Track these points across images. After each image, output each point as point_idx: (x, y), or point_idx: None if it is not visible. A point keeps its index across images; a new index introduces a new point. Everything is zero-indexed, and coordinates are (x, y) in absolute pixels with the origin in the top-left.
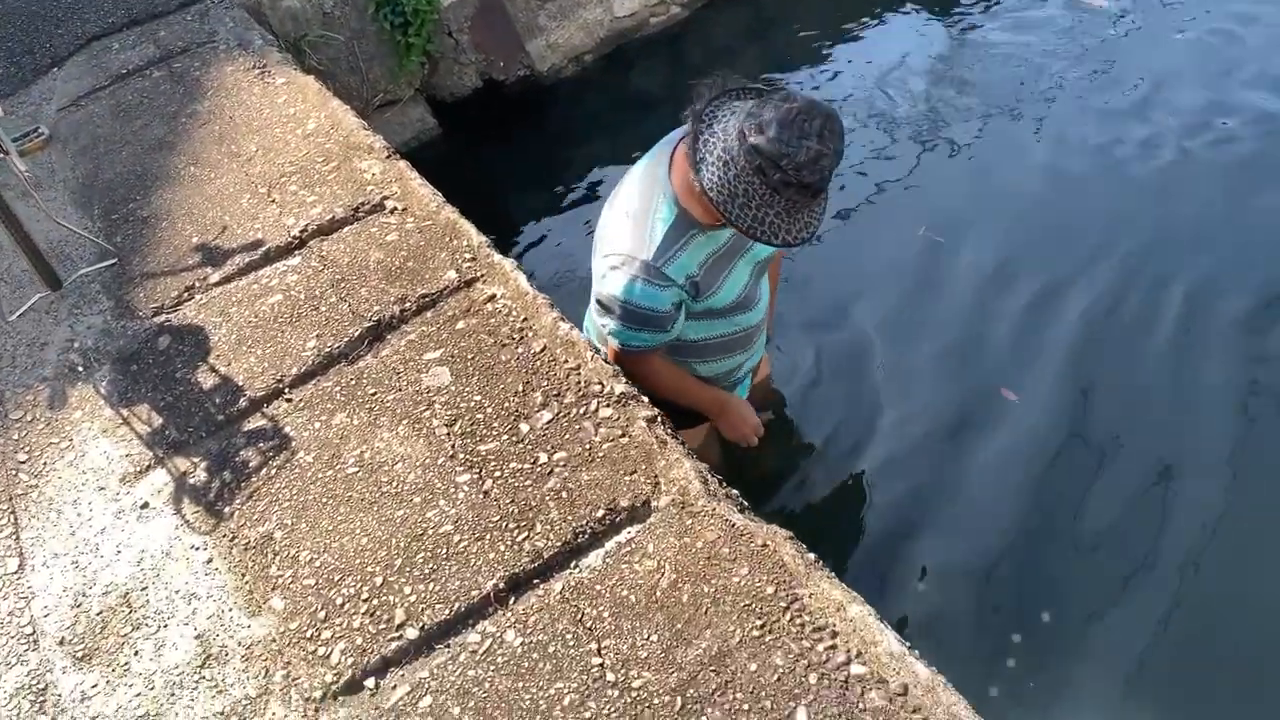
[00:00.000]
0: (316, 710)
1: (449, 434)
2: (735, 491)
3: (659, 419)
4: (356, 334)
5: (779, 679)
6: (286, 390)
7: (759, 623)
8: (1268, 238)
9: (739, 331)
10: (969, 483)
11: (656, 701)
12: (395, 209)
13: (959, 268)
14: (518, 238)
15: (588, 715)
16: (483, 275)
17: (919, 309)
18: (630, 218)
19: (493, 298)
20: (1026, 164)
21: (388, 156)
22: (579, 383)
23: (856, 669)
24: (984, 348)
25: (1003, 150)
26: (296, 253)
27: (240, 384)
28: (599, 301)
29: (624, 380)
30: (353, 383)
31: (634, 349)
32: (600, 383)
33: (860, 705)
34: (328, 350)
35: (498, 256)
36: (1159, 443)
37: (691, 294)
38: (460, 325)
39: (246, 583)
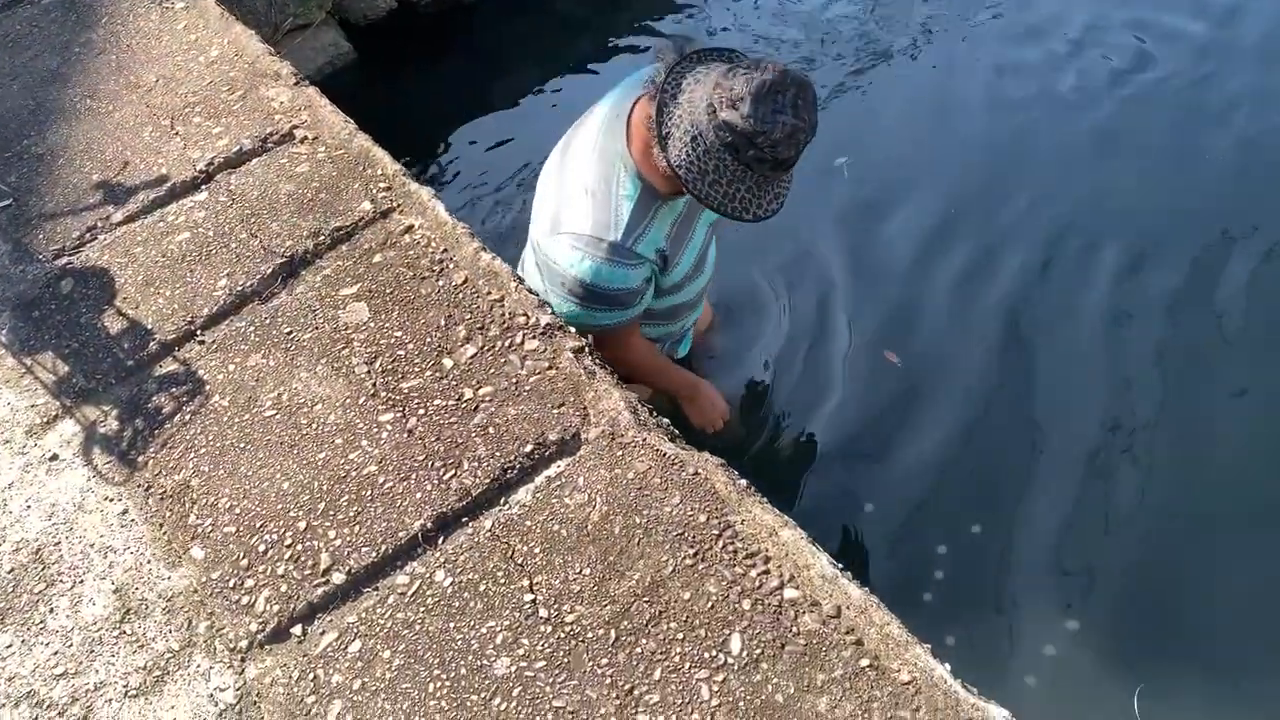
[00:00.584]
0: (242, 660)
1: (369, 372)
2: (666, 420)
3: (586, 349)
4: (269, 271)
5: (713, 607)
6: (198, 332)
7: (692, 551)
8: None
9: (693, 297)
10: (903, 434)
11: (590, 635)
12: (305, 138)
13: (877, 208)
14: (439, 168)
15: (521, 652)
16: (399, 205)
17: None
18: (590, 195)
19: (410, 229)
20: (942, 99)
21: (296, 84)
22: (503, 315)
23: (790, 593)
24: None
25: (916, 85)
26: (203, 187)
27: (149, 327)
28: (559, 283)
29: (549, 311)
30: (267, 322)
31: (604, 328)
32: (525, 314)
33: (794, 629)
34: (240, 289)
35: (414, 185)
36: (1088, 393)
37: (660, 267)
38: (377, 259)
39: (164, 533)
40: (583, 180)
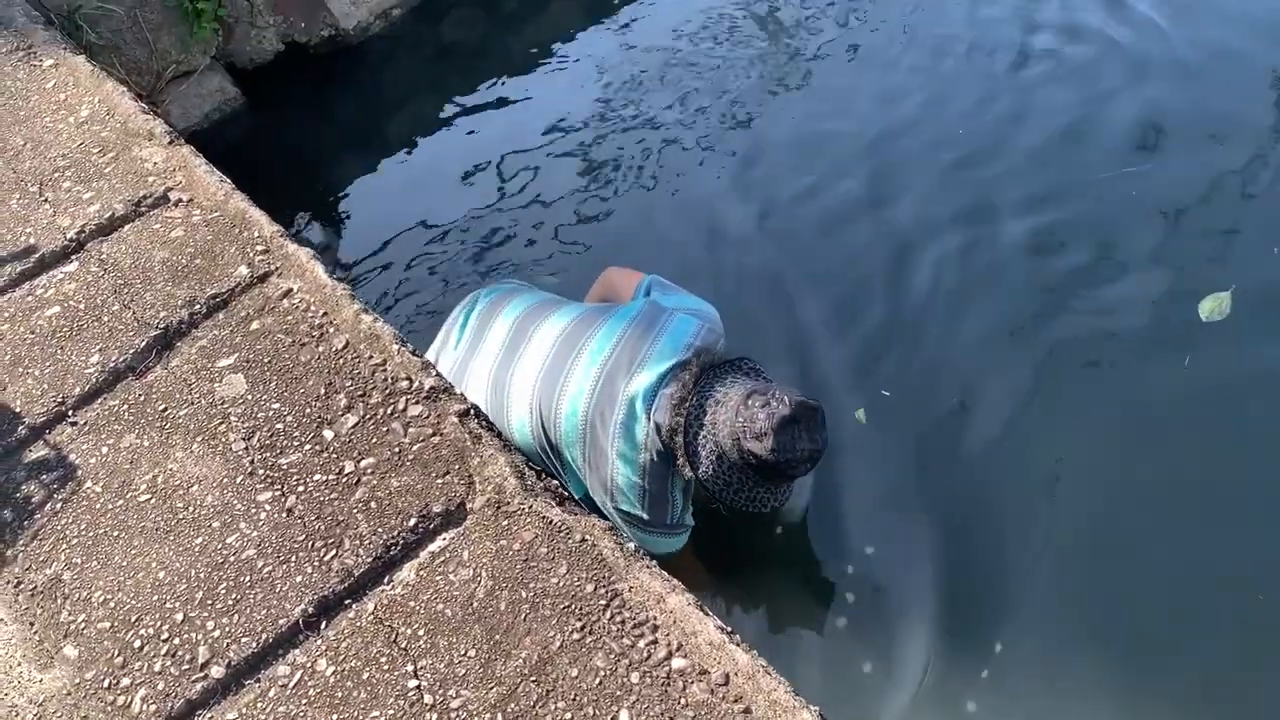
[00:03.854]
0: None
1: (247, 448)
2: (555, 483)
3: (471, 412)
4: (143, 344)
5: (600, 682)
6: (70, 413)
7: (579, 624)
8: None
9: None
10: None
11: None
12: (180, 200)
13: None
14: (333, 214)
15: None
16: (277, 268)
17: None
18: (649, 495)
19: (289, 292)
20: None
21: (170, 142)
22: (385, 379)
23: (678, 663)
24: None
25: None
26: (74, 257)
27: (18, 409)
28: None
29: (434, 373)
30: (141, 399)
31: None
32: (408, 378)
33: (682, 700)
34: (113, 365)
35: (293, 246)
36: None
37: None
38: (255, 326)
39: (36, 632)
40: (633, 473)
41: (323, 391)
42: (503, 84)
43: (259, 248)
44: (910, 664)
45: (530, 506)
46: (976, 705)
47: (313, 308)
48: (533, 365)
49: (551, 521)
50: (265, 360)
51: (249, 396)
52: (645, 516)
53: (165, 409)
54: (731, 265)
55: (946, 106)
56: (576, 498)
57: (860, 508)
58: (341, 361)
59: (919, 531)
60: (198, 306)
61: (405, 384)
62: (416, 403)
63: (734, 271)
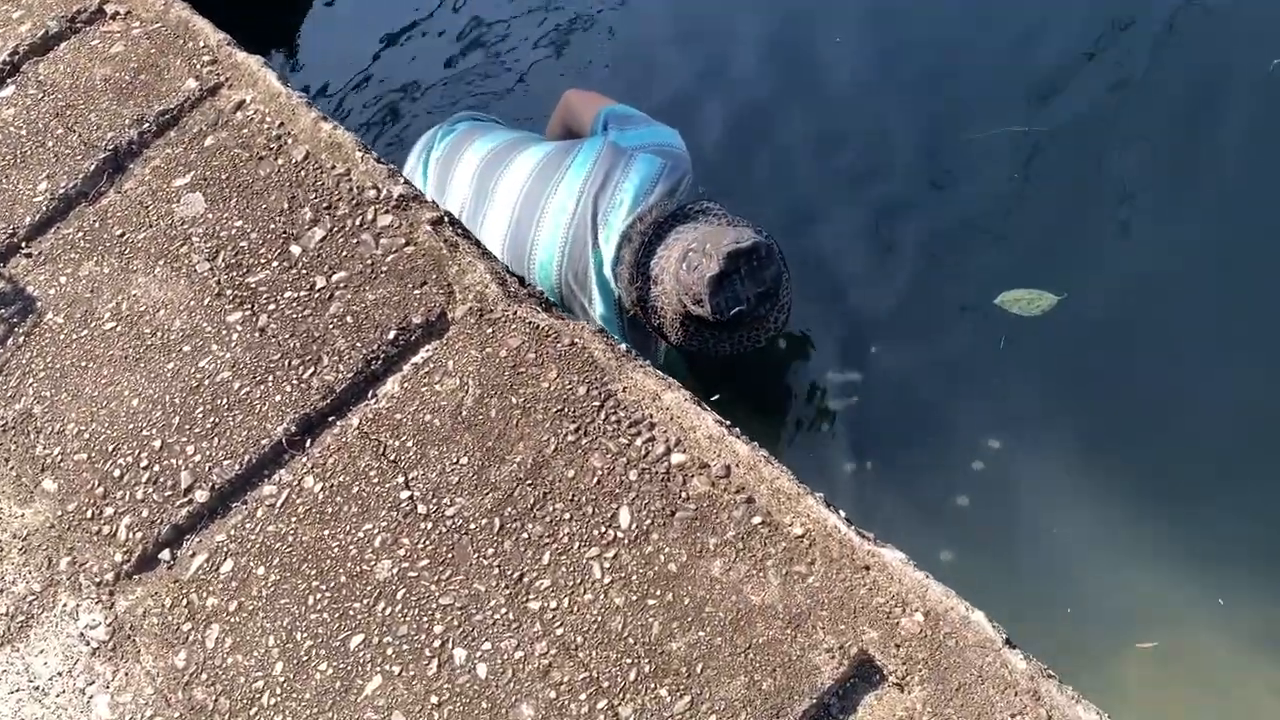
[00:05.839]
0: (111, 594)
1: (212, 269)
2: (540, 289)
3: (446, 219)
4: (93, 168)
5: (599, 482)
6: (23, 244)
7: (573, 427)
8: None
9: None
10: None
11: (473, 527)
12: (117, 13)
13: None
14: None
15: (402, 553)
16: (227, 79)
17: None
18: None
19: (242, 104)
20: None
21: None
22: (351, 189)
23: (677, 458)
24: None
25: None
26: (9, 81)
27: None
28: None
29: (402, 181)
30: (97, 225)
31: None
32: (375, 186)
33: (683, 494)
34: (63, 191)
35: (241, 55)
36: None
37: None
38: (209, 141)
39: (11, 469)
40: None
41: (286, 206)
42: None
43: (206, 58)
44: (899, 462)
45: (515, 313)
46: (968, 499)
47: (268, 119)
48: (499, 223)
49: (538, 326)
50: (223, 177)
51: (209, 216)
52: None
53: (123, 234)
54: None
55: None
56: None
57: (867, 314)
58: (303, 173)
59: (911, 344)
60: (147, 125)
61: (373, 193)
62: (386, 212)
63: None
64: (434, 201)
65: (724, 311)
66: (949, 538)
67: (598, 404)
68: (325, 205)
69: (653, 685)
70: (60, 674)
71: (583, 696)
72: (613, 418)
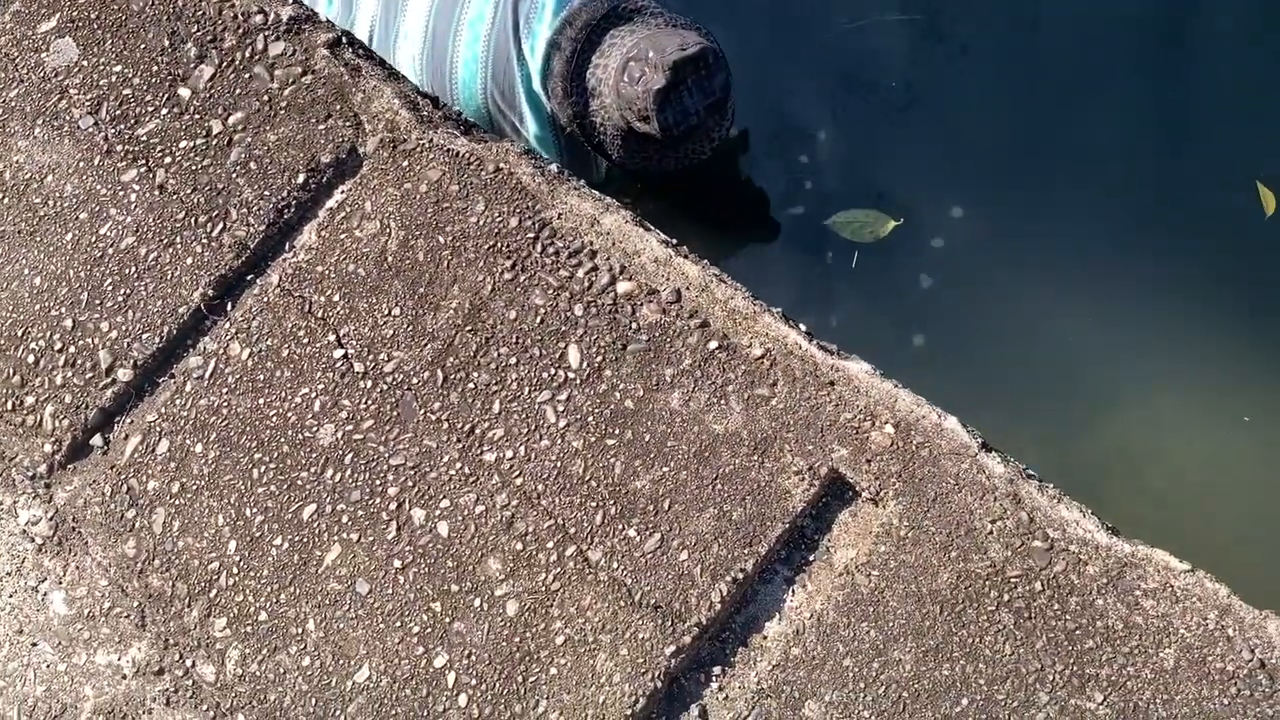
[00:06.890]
0: (47, 487)
1: (97, 124)
2: (456, 110)
3: (343, 40)
4: None
5: (543, 321)
6: None
7: (509, 263)
8: None
9: None
10: None
11: (415, 381)
12: None
13: None
14: None
15: (344, 415)
16: None
17: None
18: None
19: None
20: None
21: None
22: (235, 17)
23: (623, 286)
24: None
25: None
26: None
27: None
28: None
29: (290, 1)
30: None
31: None
32: (261, 10)
33: (633, 325)
34: None
35: None
36: None
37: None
38: None
39: None
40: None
41: (167, 44)
42: None
43: None
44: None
45: (431, 140)
46: (931, 280)
47: None
48: (413, 41)
49: (458, 154)
50: (93, 17)
51: (84, 63)
52: None
53: None
54: None
55: None
56: (483, 127)
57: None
58: (181, 4)
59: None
60: None
61: (260, 19)
62: (277, 39)
63: None
64: (329, 21)
65: (673, 128)
66: (919, 321)
67: (532, 235)
68: (210, 38)
69: (620, 526)
70: (9, 574)
71: (550, 544)
72: (550, 249)
